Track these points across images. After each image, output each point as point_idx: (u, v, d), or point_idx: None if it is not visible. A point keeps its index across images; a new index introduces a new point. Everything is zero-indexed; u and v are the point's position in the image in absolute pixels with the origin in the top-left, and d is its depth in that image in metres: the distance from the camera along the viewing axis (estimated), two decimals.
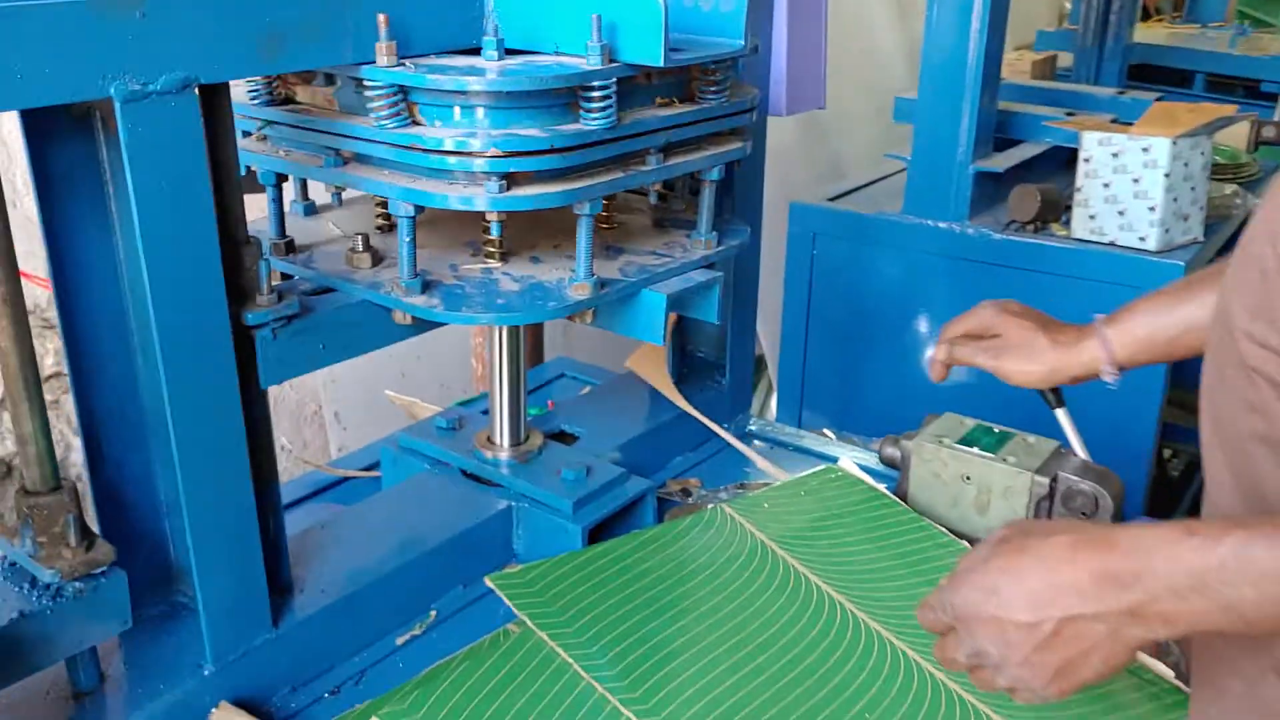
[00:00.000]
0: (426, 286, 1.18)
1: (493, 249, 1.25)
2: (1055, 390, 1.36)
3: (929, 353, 1.36)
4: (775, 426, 1.74)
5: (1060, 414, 1.37)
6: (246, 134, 1.24)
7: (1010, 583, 0.84)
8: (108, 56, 0.89)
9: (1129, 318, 1.29)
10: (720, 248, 1.35)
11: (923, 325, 2.47)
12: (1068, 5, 4.97)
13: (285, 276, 1.24)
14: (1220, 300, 0.94)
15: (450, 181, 1.12)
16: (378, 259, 1.25)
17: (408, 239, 1.15)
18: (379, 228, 1.35)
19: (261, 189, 1.25)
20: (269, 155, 1.22)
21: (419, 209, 1.13)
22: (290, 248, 1.27)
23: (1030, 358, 1.32)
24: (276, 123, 1.20)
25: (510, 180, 1.10)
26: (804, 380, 2.66)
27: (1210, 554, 0.77)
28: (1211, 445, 0.94)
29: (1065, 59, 3.61)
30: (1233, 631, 0.80)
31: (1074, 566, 0.81)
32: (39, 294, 2.16)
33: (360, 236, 1.24)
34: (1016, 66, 3.29)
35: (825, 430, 1.77)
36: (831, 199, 2.55)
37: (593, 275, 1.20)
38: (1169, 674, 1.13)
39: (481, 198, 1.11)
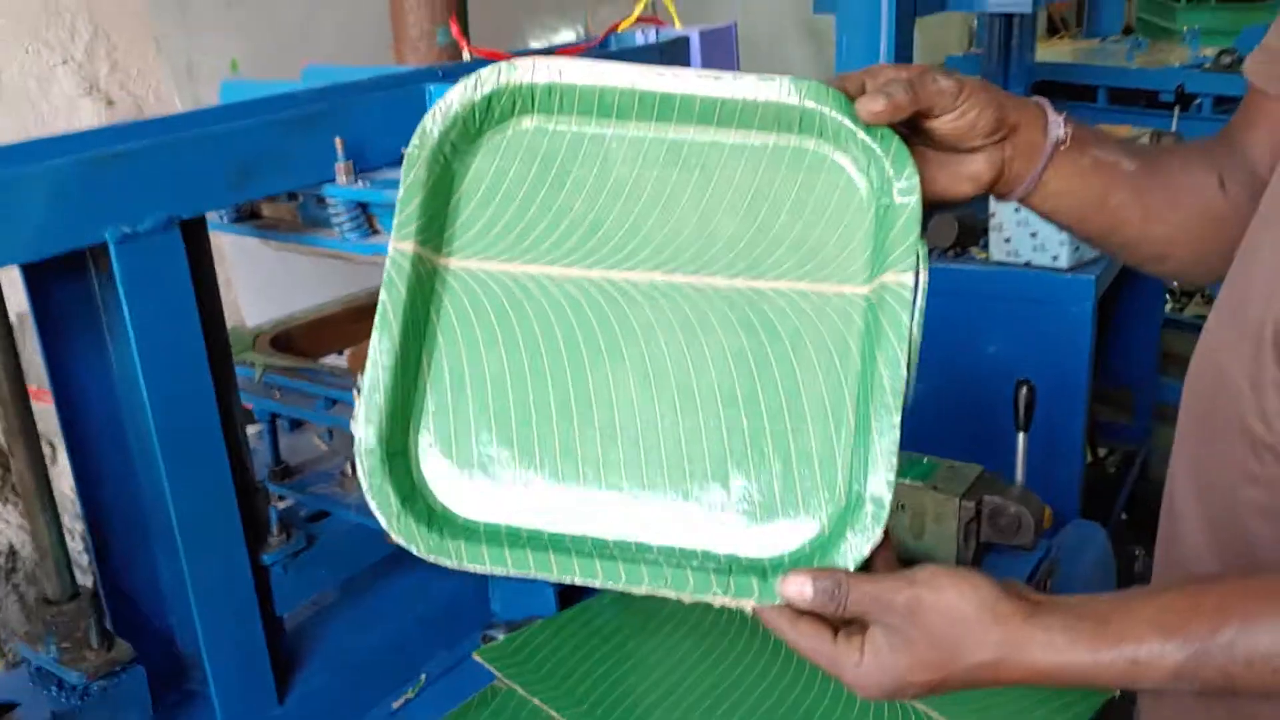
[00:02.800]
0: None
1: None
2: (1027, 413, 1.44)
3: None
4: None
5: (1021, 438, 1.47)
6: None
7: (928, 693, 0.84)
8: (101, 206, 0.99)
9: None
10: None
11: None
12: (975, 24, 5.18)
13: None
14: (1205, 355, 0.98)
15: None
16: None
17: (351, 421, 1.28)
18: None
19: (257, 422, 1.39)
20: (264, 397, 1.37)
21: None
22: (286, 473, 1.40)
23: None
24: (272, 367, 1.36)
25: None
26: None
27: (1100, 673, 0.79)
28: (1187, 498, 0.99)
29: None
30: None
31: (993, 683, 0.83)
32: None
33: (350, 461, 1.36)
34: None
35: None
36: None
37: None
38: None
39: None
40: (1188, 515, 0.99)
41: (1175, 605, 0.79)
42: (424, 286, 0.89)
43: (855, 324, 0.86)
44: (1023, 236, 2.47)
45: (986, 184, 0.96)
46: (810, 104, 0.88)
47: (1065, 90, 3.76)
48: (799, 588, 0.80)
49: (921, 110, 0.89)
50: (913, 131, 0.91)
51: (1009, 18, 3.46)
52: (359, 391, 0.86)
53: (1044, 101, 0.98)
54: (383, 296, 0.87)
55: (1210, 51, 3.75)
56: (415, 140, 0.89)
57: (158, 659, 1.22)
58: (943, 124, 0.90)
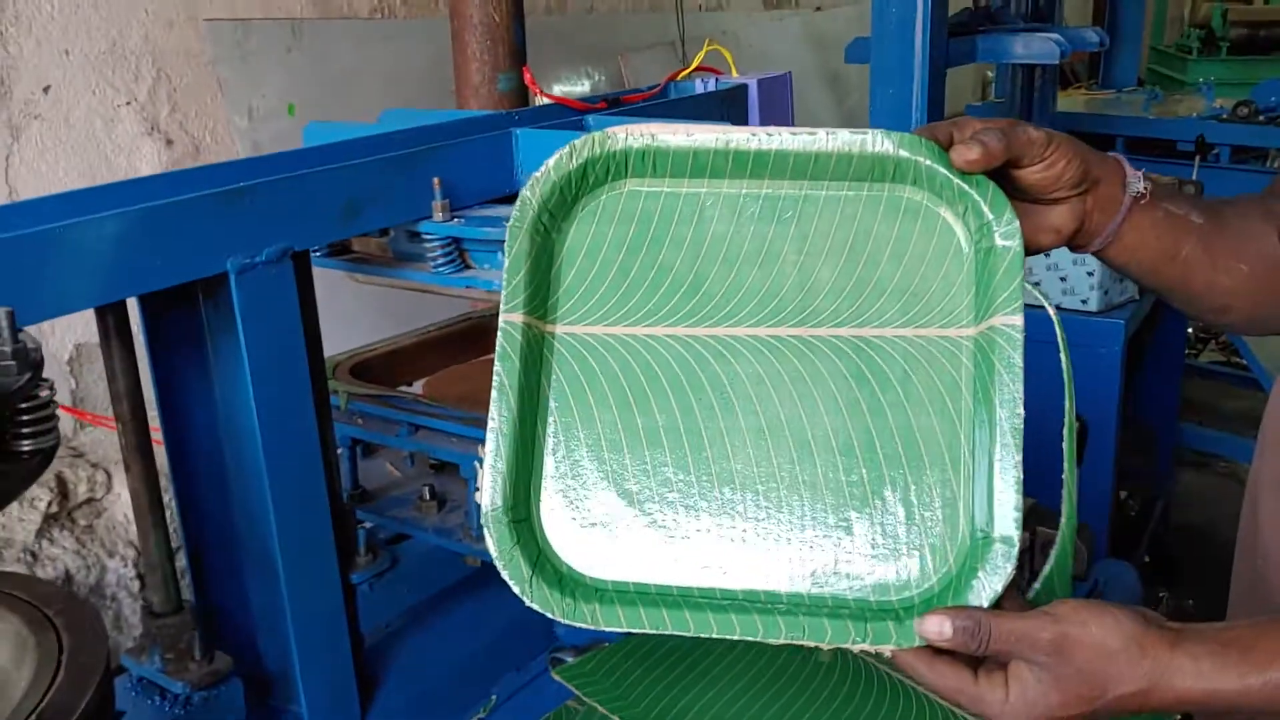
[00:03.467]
0: None
1: None
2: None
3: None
4: None
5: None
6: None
7: None
8: (225, 239, 1.05)
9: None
10: None
11: None
12: (989, 74, 5.29)
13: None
14: None
15: None
16: (442, 503, 1.44)
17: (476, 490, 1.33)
18: (433, 468, 1.53)
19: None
20: (347, 424, 1.42)
21: None
22: (364, 496, 1.47)
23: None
24: (355, 395, 1.41)
25: None
26: None
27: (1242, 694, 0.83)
28: (1274, 532, 1.04)
29: None
30: None
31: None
32: (65, 422, 2.28)
33: (426, 487, 1.43)
34: None
35: None
36: None
37: None
38: None
39: None
40: (1276, 551, 1.03)
41: None
42: (534, 354, 0.93)
43: (965, 366, 0.90)
44: (1052, 280, 2.53)
45: (1068, 235, 1.00)
46: (905, 153, 0.92)
47: (1084, 140, 3.83)
48: (938, 626, 0.83)
49: (1012, 159, 0.92)
50: (999, 181, 0.93)
51: (1030, 68, 3.54)
52: (480, 462, 0.90)
53: (1121, 158, 1.02)
54: (497, 367, 0.91)
55: (1226, 102, 3.84)
56: (515, 212, 0.93)
57: (245, 675, 1.26)
58: (1030, 174, 0.95)
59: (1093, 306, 2.50)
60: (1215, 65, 5.46)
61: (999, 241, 0.90)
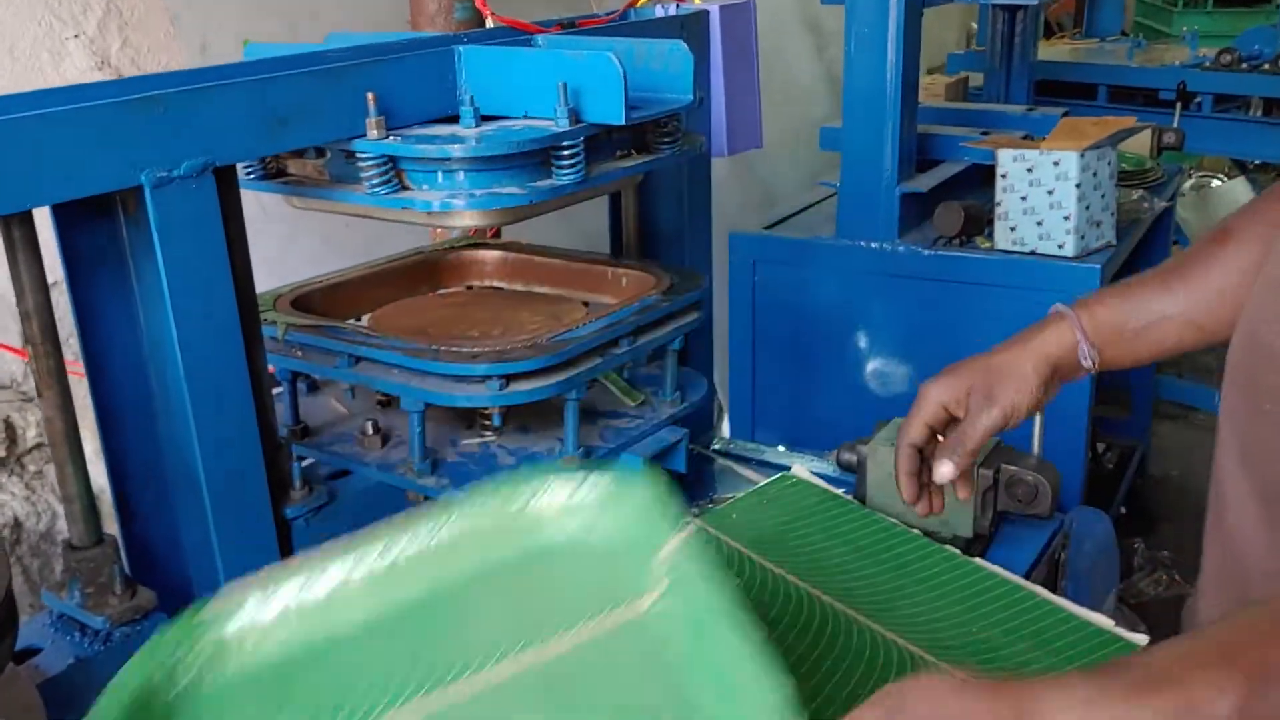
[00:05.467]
0: (435, 466, 1.34)
1: (489, 426, 1.41)
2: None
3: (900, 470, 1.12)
4: (737, 443, 1.86)
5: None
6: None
7: None
8: (137, 149, 0.99)
9: (1094, 304, 1.17)
10: (684, 405, 1.52)
11: (862, 340, 2.61)
12: (974, 26, 5.21)
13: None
14: (1246, 333, 1.01)
15: (456, 380, 1.26)
16: (385, 439, 1.39)
17: (418, 430, 1.29)
18: (380, 403, 1.48)
19: (279, 383, 1.40)
20: (285, 355, 1.35)
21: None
22: (305, 432, 1.41)
23: (1014, 385, 1.16)
24: (294, 326, 1.34)
25: (508, 379, 1.25)
26: (754, 401, 2.78)
27: None
28: (1235, 471, 1.01)
29: (975, 78, 3.80)
30: None
31: None
32: (15, 366, 2.22)
33: (370, 421, 1.38)
34: (931, 90, 3.47)
35: (779, 447, 1.89)
36: (768, 227, 2.69)
37: (580, 447, 1.35)
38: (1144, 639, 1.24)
39: (484, 395, 1.26)
40: (1236, 487, 1.00)
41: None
42: None
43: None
44: (1028, 225, 2.48)
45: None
46: None
47: (1066, 89, 3.79)
48: None
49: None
50: None
51: (1012, 16, 3.48)
52: None
53: (1063, 310, 1.17)
54: None
55: (1209, 52, 3.78)
56: None
57: (173, 611, 1.21)
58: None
59: (1069, 252, 2.45)
60: (1200, 17, 5.40)
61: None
